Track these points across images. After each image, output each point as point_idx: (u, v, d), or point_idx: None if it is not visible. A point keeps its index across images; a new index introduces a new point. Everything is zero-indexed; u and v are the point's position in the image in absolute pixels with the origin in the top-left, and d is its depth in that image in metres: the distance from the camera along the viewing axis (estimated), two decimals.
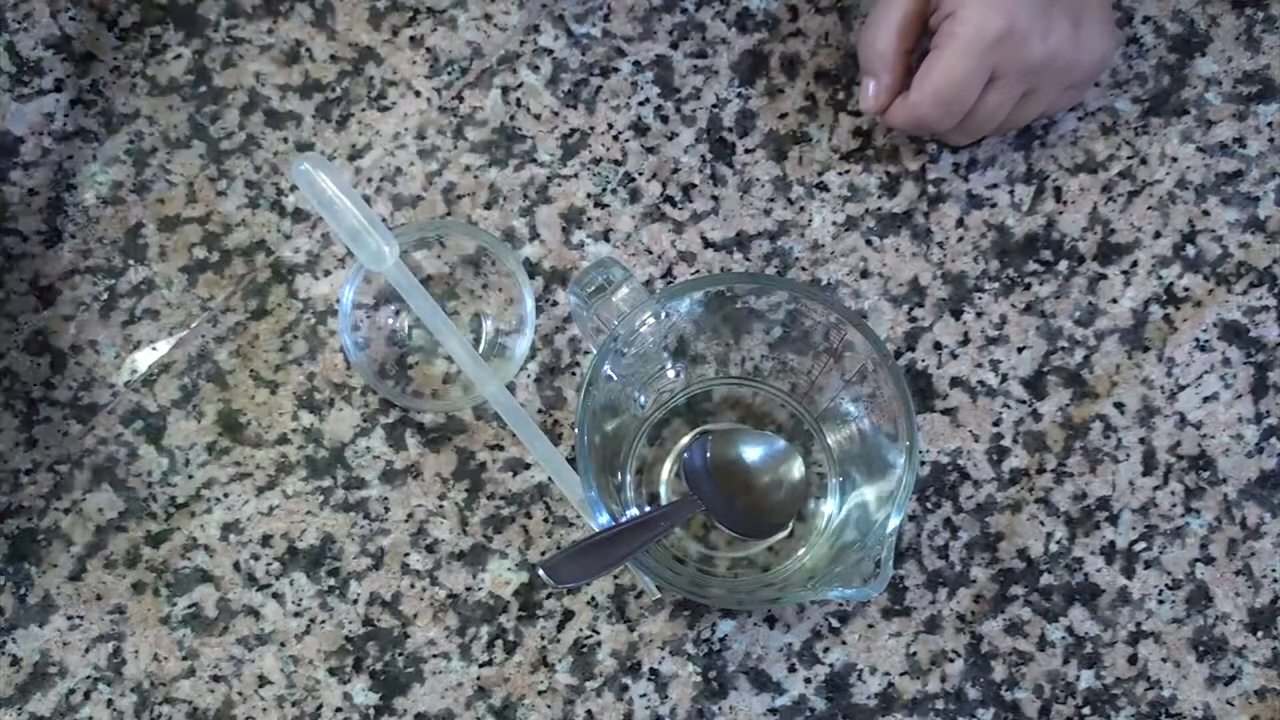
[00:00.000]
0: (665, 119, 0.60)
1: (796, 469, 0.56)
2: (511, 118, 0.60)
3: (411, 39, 0.60)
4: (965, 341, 0.58)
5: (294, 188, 0.59)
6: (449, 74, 0.60)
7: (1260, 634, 0.56)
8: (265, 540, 0.56)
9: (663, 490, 0.57)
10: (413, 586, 0.56)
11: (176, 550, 0.56)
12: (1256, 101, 0.60)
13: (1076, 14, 0.55)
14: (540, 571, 0.47)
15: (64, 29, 0.61)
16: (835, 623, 0.56)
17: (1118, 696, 0.55)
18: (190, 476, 0.57)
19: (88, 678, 0.55)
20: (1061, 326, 0.58)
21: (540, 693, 0.55)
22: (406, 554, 0.56)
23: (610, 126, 0.60)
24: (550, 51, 0.61)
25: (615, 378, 0.52)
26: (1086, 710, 0.55)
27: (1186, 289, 0.59)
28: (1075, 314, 0.58)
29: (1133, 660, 0.55)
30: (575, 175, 0.59)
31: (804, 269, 0.59)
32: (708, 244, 0.59)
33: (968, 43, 0.53)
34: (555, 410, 0.58)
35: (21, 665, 0.55)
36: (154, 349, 0.58)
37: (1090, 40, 0.55)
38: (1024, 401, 0.58)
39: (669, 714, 0.55)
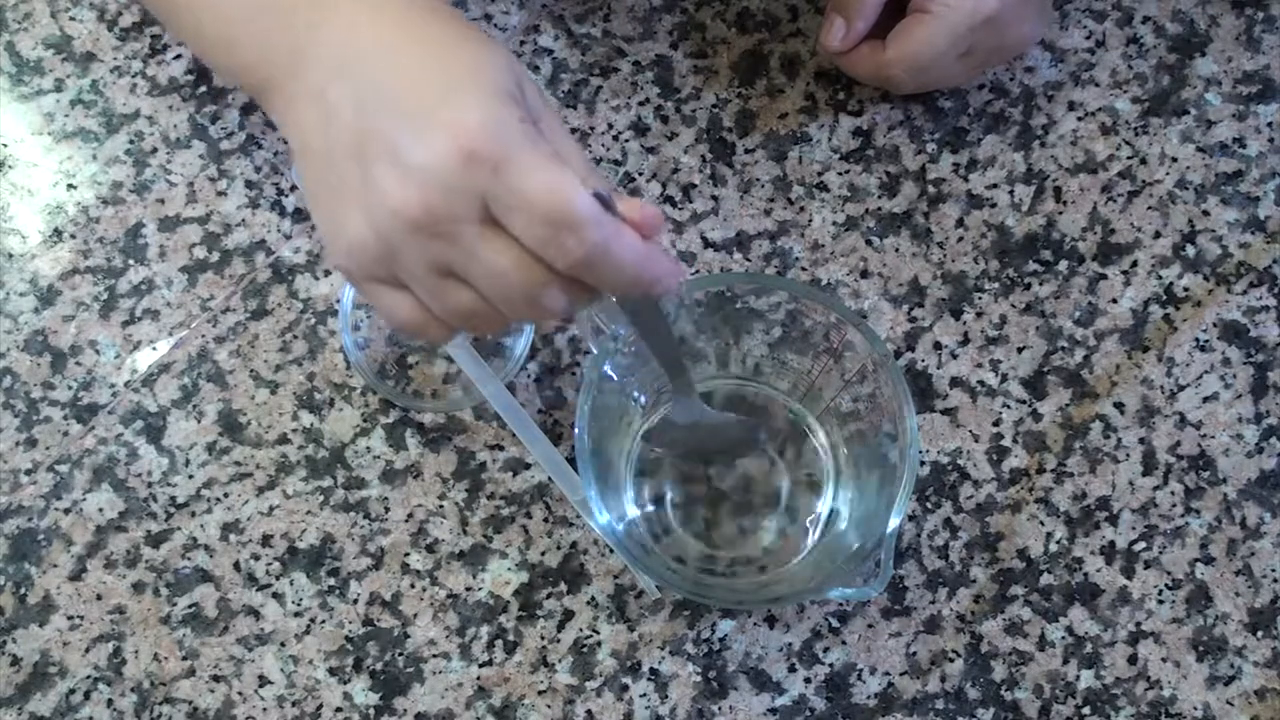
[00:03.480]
0: (665, 119, 0.60)
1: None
2: None
3: None
4: (965, 341, 0.58)
5: (294, 188, 0.59)
6: None
7: (1260, 634, 0.56)
8: (265, 540, 0.56)
9: (664, 490, 0.57)
10: (413, 586, 0.56)
11: (176, 550, 0.56)
12: (1256, 101, 0.60)
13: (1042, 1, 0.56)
14: None
15: (64, 29, 0.61)
16: (835, 623, 0.56)
17: (1118, 696, 0.55)
18: (190, 476, 0.57)
19: (88, 678, 0.55)
20: (1061, 326, 0.58)
21: (540, 693, 0.55)
22: (406, 554, 0.56)
23: (610, 126, 0.60)
24: (550, 51, 0.61)
25: (615, 377, 0.52)
26: (1086, 710, 0.55)
27: (1186, 289, 0.59)
28: (1075, 314, 0.58)
29: (1133, 660, 0.55)
30: None
31: (804, 269, 0.59)
32: (708, 244, 0.59)
33: (958, 20, 0.53)
34: (555, 410, 0.58)
35: (21, 665, 0.55)
36: (154, 349, 0.58)
37: (1038, 21, 0.57)
38: (1024, 401, 0.57)
39: (669, 714, 0.55)
